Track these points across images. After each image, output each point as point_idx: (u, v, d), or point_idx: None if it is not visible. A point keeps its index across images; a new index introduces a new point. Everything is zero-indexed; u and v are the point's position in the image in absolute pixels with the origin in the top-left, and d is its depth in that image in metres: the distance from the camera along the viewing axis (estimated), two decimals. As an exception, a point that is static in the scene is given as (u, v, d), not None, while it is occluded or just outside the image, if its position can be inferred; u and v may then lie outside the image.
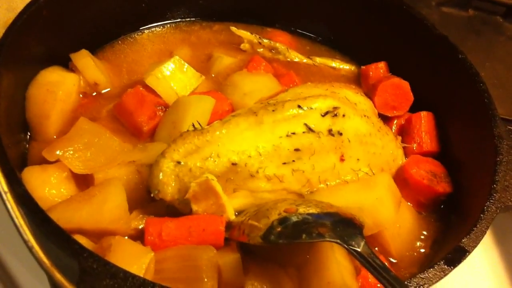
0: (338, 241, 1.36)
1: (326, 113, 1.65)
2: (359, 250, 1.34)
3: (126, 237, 1.53)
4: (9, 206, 1.10)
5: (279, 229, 1.41)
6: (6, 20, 2.33)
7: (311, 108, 1.64)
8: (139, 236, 1.54)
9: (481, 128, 1.75)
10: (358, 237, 1.38)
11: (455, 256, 1.40)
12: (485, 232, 1.45)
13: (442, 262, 1.37)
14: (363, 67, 2.17)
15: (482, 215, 1.49)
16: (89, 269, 1.20)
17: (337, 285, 1.44)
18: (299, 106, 1.63)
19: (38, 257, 1.11)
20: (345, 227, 1.42)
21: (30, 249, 1.10)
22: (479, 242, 1.43)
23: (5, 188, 1.10)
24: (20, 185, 1.31)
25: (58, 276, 1.13)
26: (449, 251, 1.42)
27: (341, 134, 1.67)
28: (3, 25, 2.29)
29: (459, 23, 2.65)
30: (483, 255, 1.98)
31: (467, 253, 1.40)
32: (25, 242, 1.10)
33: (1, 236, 1.54)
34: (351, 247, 1.35)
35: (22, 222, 1.09)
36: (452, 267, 1.37)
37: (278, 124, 1.61)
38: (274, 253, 1.55)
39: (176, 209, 1.57)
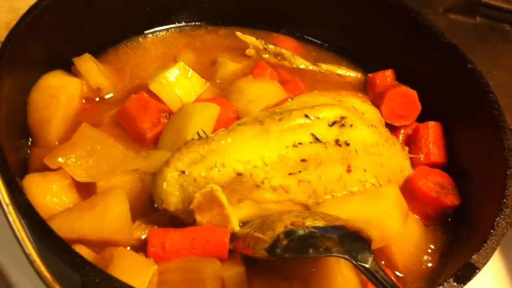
0: (346, 256, 1.33)
1: (334, 123, 1.62)
2: (367, 266, 1.32)
3: (129, 248, 1.50)
4: (11, 219, 1.07)
5: (285, 242, 1.39)
6: (8, 21, 2.30)
7: (318, 118, 1.61)
8: (141, 247, 1.51)
9: (491, 140, 1.72)
10: (366, 252, 1.36)
11: (465, 273, 1.37)
12: (495, 248, 1.43)
13: (451, 280, 1.34)
14: (369, 74, 2.13)
15: (492, 231, 1.46)
16: (91, 283, 1.17)
17: (343, 299, 1.42)
18: (306, 116, 1.60)
19: (40, 271, 1.09)
20: (352, 241, 1.39)
21: (32, 263, 1.07)
22: (489, 259, 1.41)
23: (7, 200, 1.07)
24: (21, 194, 1.28)
25: (60, 291, 1.10)
26: (458, 268, 1.38)
27: (348, 144, 1.64)
28: (5, 27, 2.27)
29: (466, 30, 2.62)
30: (488, 267, 1.95)
31: (477, 270, 1.37)
32: (27, 256, 1.07)
33: (3, 248, 1.51)
34: (359, 263, 1.32)
35: (24, 235, 1.06)
36: (462, 285, 1.34)
37: (285, 134, 1.58)
38: (279, 265, 1.53)
39: (179, 219, 1.54)
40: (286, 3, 2.25)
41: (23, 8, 1.76)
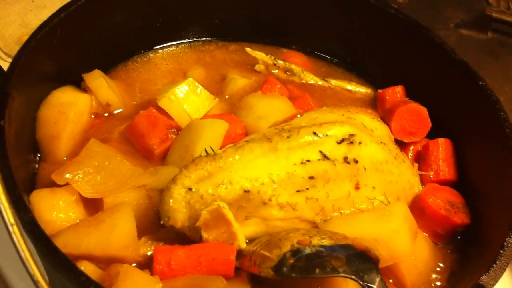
0: (353, 277, 1.32)
1: (342, 140, 1.61)
2: (374, 287, 1.30)
3: (135, 264, 1.51)
4: (15, 239, 1.07)
5: (291, 261, 1.38)
6: (20, 35, 2.33)
7: (327, 135, 1.60)
8: (147, 263, 1.51)
9: (501, 158, 1.70)
10: (374, 272, 1.35)
11: (474, 295, 1.35)
12: (505, 269, 1.40)
13: (460, 301, 1.33)
14: (379, 90, 2.12)
15: (502, 251, 1.44)
16: (96, 302, 1.17)
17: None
18: (314, 133, 1.60)
19: (44, 291, 1.08)
20: (360, 261, 1.38)
21: (36, 283, 1.07)
22: (498, 280, 1.39)
23: (12, 220, 1.08)
24: (27, 212, 1.28)
25: (64, 310, 1.10)
26: (467, 288, 1.37)
27: (356, 162, 1.63)
28: (17, 41, 2.30)
29: (477, 46, 2.61)
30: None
31: (487, 291, 1.36)
32: (31, 276, 1.07)
33: (10, 267, 1.51)
34: (366, 283, 1.31)
35: (28, 255, 1.06)
36: (470, 306, 1.33)
37: (293, 151, 1.57)
38: (285, 285, 1.51)
39: (186, 236, 1.54)
40: (296, 19, 2.24)
41: (35, 23, 1.77)
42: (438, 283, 1.65)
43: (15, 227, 1.09)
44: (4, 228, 1.12)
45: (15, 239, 1.08)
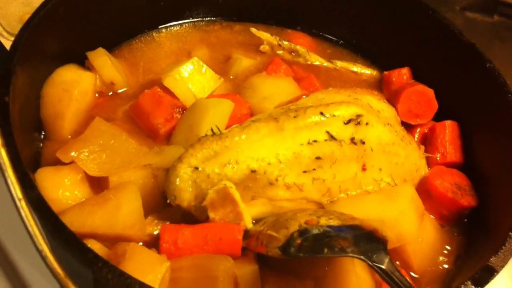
0: (362, 257, 1.31)
1: (349, 121, 1.60)
2: (383, 267, 1.30)
3: (141, 244, 1.49)
4: (23, 214, 1.06)
5: (299, 241, 1.37)
6: (22, 14, 2.30)
7: (334, 116, 1.59)
8: (153, 243, 1.50)
9: (508, 141, 1.69)
10: (382, 253, 1.34)
11: (483, 276, 1.34)
12: (514, 251, 1.40)
13: (469, 282, 1.32)
14: (385, 72, 2.11)
15: (510, 233, 1.43)
16: (104, 280, 1.16)
17: (357, 299, 1.39)
18: (321, 113, 1.58)
19: (52, 267, 1.08)
20: (368, 241, 1.37)
21: (44, 258, 1.06)
22: (507, 262, 1.38)
23: (20, 195, 1.06)
24: (33, 189, 1.26)
25: (72, 287, 1.09)
26: (476, 270, 1.36)
27: (363, 142, 1.62)
28: (19, 20, 2.27)
29: (483, 29, 2.59)
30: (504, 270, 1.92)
31: (495, 273, 1.35)
32: (39, 251, 1.06)
33: (16, 244, 1.50)
34: (375, 264, 1.30)
35: (36, 231, 1.05)
36: (479, 288, 1.32)
37: (300, 131, 1.56)
38: (292, 265, 1.51)
39: (192, 215, 1.53)
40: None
41: (37, 2, 1.74)
42: (445, 266, 1.65)
43: (23, 202, 1.08)
44: (11, 204, 1.10)
45: (23, 214, 1.07)
